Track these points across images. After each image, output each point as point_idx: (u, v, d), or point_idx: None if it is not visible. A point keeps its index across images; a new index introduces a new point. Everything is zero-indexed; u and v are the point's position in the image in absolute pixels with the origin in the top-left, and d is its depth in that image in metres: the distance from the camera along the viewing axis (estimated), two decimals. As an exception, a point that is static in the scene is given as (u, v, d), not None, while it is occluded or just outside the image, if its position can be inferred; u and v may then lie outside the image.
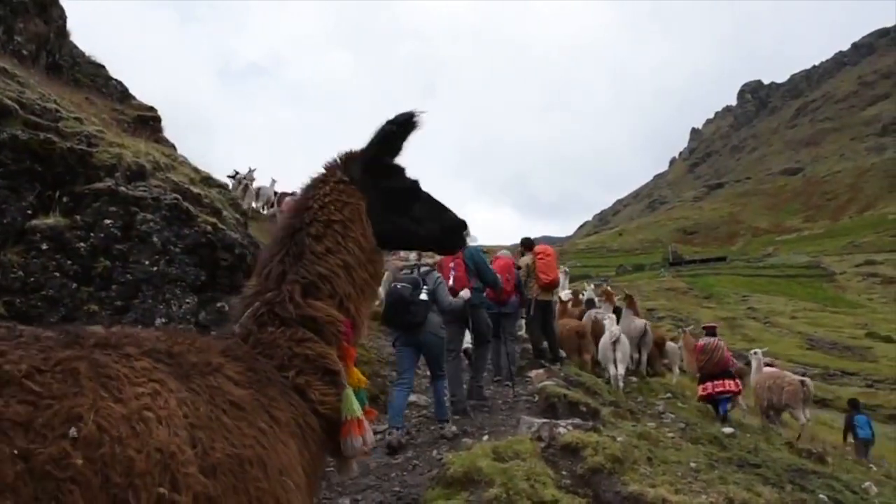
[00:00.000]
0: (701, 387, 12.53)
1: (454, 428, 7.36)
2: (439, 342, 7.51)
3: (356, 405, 2.04)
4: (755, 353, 15.23)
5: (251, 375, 1.81)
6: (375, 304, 7.48)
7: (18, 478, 1.21)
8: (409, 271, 7.55)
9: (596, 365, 12.77)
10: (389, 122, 2.26)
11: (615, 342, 11.52)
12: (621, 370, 11.40)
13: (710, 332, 13.51)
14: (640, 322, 14.50)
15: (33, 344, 1.44)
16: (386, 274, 7.05)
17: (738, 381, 12.51)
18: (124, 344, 1.60)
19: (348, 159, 2.33)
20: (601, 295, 15.70)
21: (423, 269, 7.57)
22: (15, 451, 1.22)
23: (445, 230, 2.51)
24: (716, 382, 12.13)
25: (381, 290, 7.53)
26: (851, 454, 14.39)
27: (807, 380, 13.45)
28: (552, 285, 11.83)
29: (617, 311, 14.25)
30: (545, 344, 11.90)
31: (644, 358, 14.72)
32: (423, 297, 7.21)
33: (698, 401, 12.64)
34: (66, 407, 1.33)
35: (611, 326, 12.12)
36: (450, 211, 2.52)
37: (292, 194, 24.47)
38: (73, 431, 1.31)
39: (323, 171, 2.33)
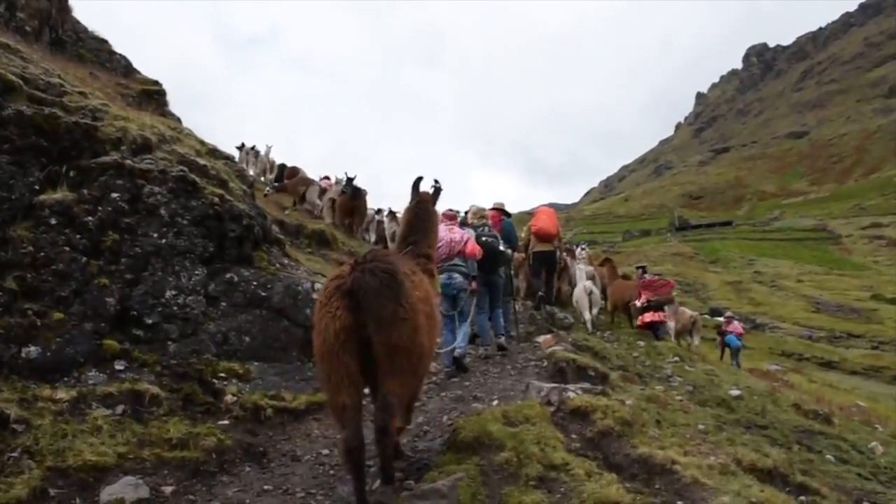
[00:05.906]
0: (650, 315, 15.48)
1: (503, 341, 9.31)
2: (502, 282, 9.80)
3: (440, 285, 5.70)
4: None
5: (424, 272, 5.10)
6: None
7: (413, 304, 4.23)
8: (482, 228, 9.39)
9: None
10: (439, 185, 6.03)
11: (590, 293, 13.85)
12: (594, 313, 14.04)
13: (644, 270, 17.03)
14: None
15: (402, 261, 4.66)
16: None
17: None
18: (405, 260, 4.86)
19: (432, 197, 5.87)
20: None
21: (488, 227, 9.60)
22: (417, 293, 4.38)
23: None
24: (657, 312, 15.25)
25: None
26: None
27: (695, 314, 18.31)
28: (542, 234, 13.35)
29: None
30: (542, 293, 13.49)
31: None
32: (502, 248, 9.38)
33: (640, 327, 15.27)
34: (423, 280, 4.79)
35: (583, 280, 14.41)
36: None
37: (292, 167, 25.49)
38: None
39: (429, 204, 5.81)
